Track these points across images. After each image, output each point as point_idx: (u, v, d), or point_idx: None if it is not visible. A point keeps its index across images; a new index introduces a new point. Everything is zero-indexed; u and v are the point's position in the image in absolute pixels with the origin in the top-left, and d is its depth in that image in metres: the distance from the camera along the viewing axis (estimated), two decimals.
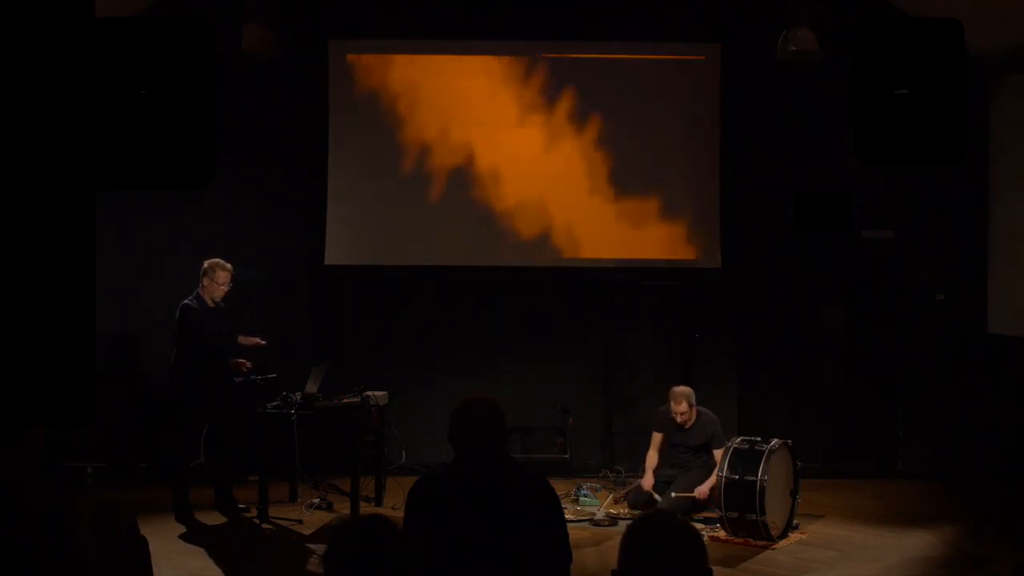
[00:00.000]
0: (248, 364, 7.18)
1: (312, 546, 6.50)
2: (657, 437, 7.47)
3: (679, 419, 7.25)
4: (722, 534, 6.67)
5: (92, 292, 1.94)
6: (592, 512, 7.20)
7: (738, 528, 6.60)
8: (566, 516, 3.51)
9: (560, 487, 5.72)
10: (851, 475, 8.44)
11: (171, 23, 2.19)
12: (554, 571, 3.30)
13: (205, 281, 7.11)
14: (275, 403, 7.16)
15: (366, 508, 7.16)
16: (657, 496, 7.18)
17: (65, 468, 7.98)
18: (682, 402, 7.22)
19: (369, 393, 7.30)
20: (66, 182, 1.91)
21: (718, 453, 7.01)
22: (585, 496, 7.55)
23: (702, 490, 7.03)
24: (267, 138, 8.68)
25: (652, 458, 7.45)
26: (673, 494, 7.02)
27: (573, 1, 8.79)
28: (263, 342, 7.24)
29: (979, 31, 6.59)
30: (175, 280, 7.69)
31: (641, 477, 7.54)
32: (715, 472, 6.88)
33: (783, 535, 6.67)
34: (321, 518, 7.16)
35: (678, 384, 7.44)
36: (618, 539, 2.35)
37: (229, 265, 7.16)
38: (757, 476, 6.48)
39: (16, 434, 2.72)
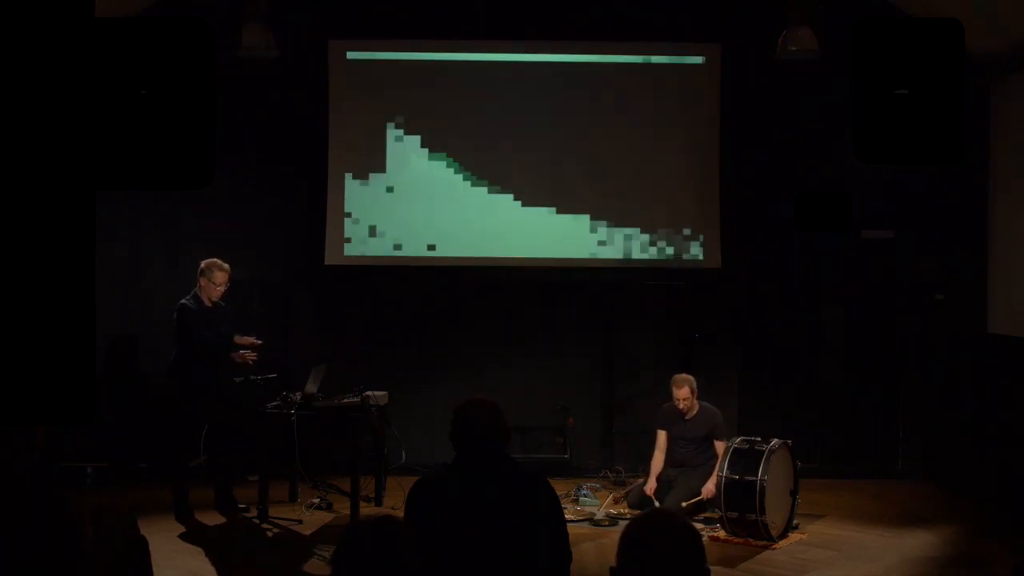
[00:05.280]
0: (254, 356, 7.17)
1: (312, 547, 6.49)
2: (661, 437, 7.44)
3: (681, 405, 7.22)
4: (722, 534, 6.67)
5: (92, 292, 1.94)
6: (592, 512, 7.20)
7: (738, 528, 6.60)
8: (566, 516, 3.51)
9: (560, 487, 5.71)
10: (851, 475, 8.43)
11: (171, 23, 2.19)
12: (554, 571, 3.30)
13: (202, 281, 7.12)
14: (275, 403, 7.16)
15: (366, 508, 7.16)
16: (657, 503, 7.10)
17: (65, 468, 7.98)
18: (683, 386, 7.19)
19: (369, 393, 7.30)
20: (66, 182, 1.91)
21: (720, 445, 7.02)
22: (585, 496, 7.54)
23: (708, 488, 7.00)
24: (267, 138, 8.68)
25: (658, 461, 7.40)
26: (684, 504, 6.91)
27: (573, 1, 8.79)
28: (258, 341, 7.25)
29: (979, 31, 6.58)
30: (175, 280, 7.69)
31: (641, 477, 7.53)
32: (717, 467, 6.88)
33: (783, 535, 6.67)
34: (321, 518, 7.16)
35: None
36: (618, 539, 2.35)
37: (227, 265, 7.17)
38: (757, 476, 6.48)
39: (16, 434, 2.72)
